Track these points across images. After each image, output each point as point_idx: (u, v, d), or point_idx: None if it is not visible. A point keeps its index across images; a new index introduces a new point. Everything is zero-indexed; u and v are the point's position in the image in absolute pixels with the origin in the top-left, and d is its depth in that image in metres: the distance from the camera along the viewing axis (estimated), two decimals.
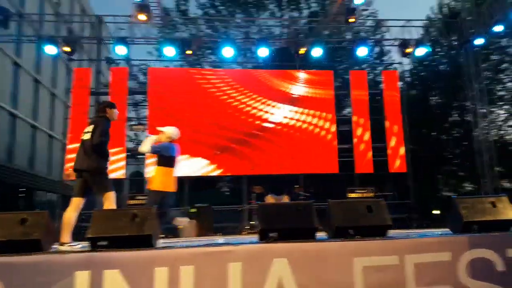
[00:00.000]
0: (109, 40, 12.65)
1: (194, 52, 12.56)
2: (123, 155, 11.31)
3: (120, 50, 11.61)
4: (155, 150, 5.46)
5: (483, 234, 3.33)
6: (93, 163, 4.58)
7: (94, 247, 3.03)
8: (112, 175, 10.98)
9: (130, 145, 16.83)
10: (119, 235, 3.04)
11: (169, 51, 11.69)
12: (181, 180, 12.77)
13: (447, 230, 3.90)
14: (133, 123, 13.66)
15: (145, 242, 3.05)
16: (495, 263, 3.10)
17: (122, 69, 12.37)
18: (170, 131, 5.62)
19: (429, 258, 3.08)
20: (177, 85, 12.07)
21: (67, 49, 11.46)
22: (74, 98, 11.68)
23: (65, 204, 4.66)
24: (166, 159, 5.42)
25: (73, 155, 5.01)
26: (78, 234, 4.66)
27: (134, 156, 13.13)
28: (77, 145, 4.88)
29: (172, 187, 5.41)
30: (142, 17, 10.91)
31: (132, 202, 9.68)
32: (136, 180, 17.95)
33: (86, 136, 4.71)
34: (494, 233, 3.33)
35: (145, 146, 5.43)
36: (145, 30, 12.06)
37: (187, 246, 3.01)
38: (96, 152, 4.60)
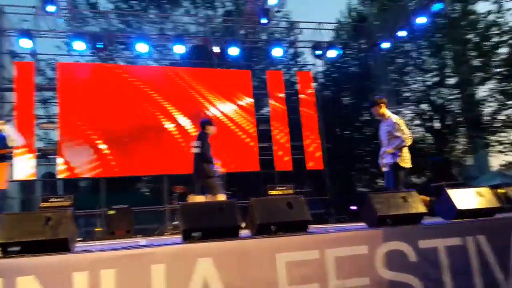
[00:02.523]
0: (12, 32, 11.56)
1: (106, 47, 11.97)
2: (32, 155, 10.44)
3: (25, 43, 10.75)
4: None
5: (396, 227, 3.51)
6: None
7: (5, 253, 2.81)
8: (19, 177, 10.20)
9: (40, 144, 15.77)
10: (32, 239, 2.85)
11: (79, 45, 11.06)
12: (97, 181, 12.13)
13: (363, 224, 4.05)
14: (42, 121, 12.71)
15: (61, 246, 2.89)
16: (408, 254, 3.27)
17: (27, 64, 11.30)
18: None
19: (347, 252, 3.16)
20: (89, 81, 11.34)
21: None
22: None
23: None
24: None
25: None
26: None
27: (45, 156, 12.23)
28: None
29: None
30: (51, 8, 10.12)
31: (45, 204, 8.98)
32: (49, 181, 16.73)
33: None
34: (406, 226, 3.53)
35: None
36: (52, 22, 11.21)
37: (107, 249, 2.85)
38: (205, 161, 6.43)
